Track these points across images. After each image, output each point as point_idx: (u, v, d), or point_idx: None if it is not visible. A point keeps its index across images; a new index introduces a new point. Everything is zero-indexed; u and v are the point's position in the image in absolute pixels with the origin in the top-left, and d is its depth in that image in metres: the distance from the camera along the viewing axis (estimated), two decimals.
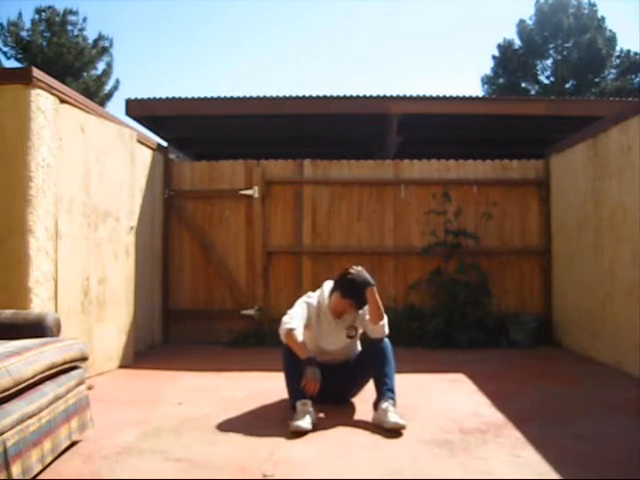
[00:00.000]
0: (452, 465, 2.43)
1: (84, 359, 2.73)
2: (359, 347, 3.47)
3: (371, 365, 3.20)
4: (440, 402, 3.52)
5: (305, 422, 2.85)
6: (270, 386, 3.66)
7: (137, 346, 5.05)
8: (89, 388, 2.88)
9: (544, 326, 5.80)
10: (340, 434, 2.86)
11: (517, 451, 2.59)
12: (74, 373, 2.62)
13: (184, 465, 2.42)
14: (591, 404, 3.45)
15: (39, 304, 3.64)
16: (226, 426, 2.97)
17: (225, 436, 2.81)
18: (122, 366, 4.58)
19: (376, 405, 3.05)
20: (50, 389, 2.34)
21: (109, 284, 4.48)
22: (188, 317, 6.11)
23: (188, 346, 5.71)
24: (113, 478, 2.30)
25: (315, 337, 3.29)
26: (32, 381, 2.19)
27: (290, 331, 3.08)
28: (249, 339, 5.78)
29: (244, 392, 3.72)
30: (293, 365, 3.08)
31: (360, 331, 3.38)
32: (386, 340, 3.21)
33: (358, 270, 3.27)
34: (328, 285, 3.38)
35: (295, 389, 3.05)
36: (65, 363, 2.50)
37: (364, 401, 3.51)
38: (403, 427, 2.85)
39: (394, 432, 2.82)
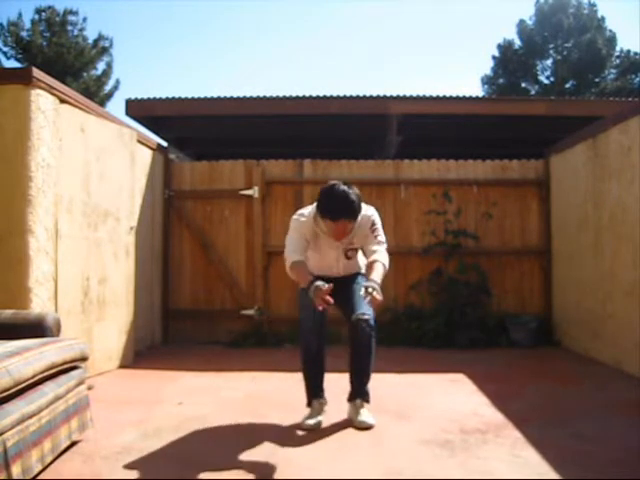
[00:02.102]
0: (452, 465, 2.43)
1: (84, 359, 2.73)
2: (361, 261, 3.21)
3: (353, 355, 3.02)
4: (440, 402, 3.52)
5: (316, 421, 2.96)
6: (270, 386, 3.66)
7: (137, 346, 5.05)
8: (89, 388, 2.88)
9: (544, 326, 5.79)
10: (340, 434, 2.86)
11: (517, 451, 2.59)
12: (74, 373, 2.62)
13: (184, 465, 2.42)
14: (591, 404, 3.45)
15: (39, 304, 3.64)
16: (226, 426, 2.97)
17: (225, 436, 2.82)
18: (122, 366, 4.58)
19: (351, 399, 3.06)
20: (50, 389, 2.34)
21: (109, 284, 4.48)
22: (188, 317, 6.11)
23: (188, 346, 5.71)
24: (113, 478, 2.30)
25: (314, 251, 3.09)
26: (32, 381, 2.19)
27: (293, 265, 2.91)
28: (249, 339, 5.78)
29: (244, 392, 3.72)
30: (310, 362, 3.05)
31: (358, 248, 3.13)
32: (373, 335, 2.96)
33: (335, 184, 2.92)
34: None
35: (310, 386, 3.08)
36: (65, 363, 2.50)
37: None
38: (371, 426, 2.93)
39: (365, 429, 2.92)
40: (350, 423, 2.99)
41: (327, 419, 3.09)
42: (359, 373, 3.04)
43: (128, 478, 2.29)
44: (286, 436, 2.80)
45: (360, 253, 3.21)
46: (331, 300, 2.65)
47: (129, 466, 2.40)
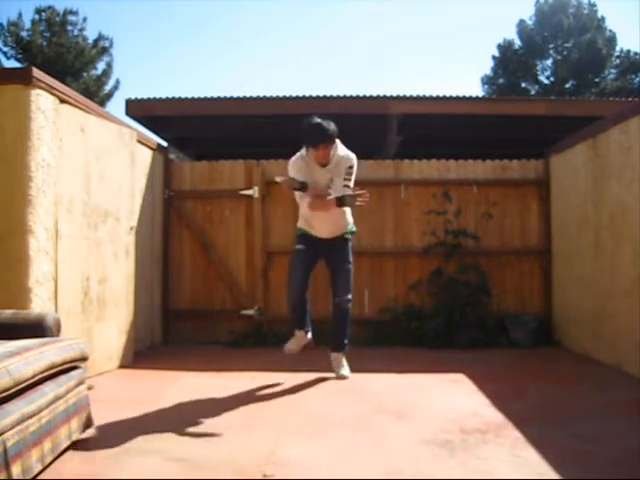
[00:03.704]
0: (452, 465, 2.43)
1: (84, 359, 2.73)
2: (349, 215, 4.04)
3: (335, 319, 4.06)
4: (440, 402, 3.52)
5: (294, 346, 4.11)
6: (270, 386, 3.66)
7: (137, 346, 5.05)
8: (89, 388, 2.88)
9: (544, 326, 5.79)
10: (340, 434, 2.86)
11: (517, 451, 2.59)
12: (74, 373, 2.62)
13: (184, 465, 2.42)
14: (591, 404, 3.45)
15: (39, 304, 3.64)
16: (226, 426, 2.97)
17: (225, 436, 2.81)
18: (122, 366, 4.58)
19: (334, 350, 4.10)
20: (50, 389, 2.34)
21: (109, 284, 4.48)
22: (188, 317, 6.11)
23: (188, 346, 5.71)
24: (113, 478, 2.30)
25: (310, 184, 3.78)
26: (32, 381, 2.19)
27: (288, 180, 3.70)
28: (249, 339, 5.78)
29: (244, 392, 3.72)
30: (294, 308, 4.02)
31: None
32: (349, 307, 4.02)
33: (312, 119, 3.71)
34: None
35: (295, 321, 4.11)
36: (65, 363, 2.50)
37: (364, 402, 3.51)
38: (346, 377, 4.02)
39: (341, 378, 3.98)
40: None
41: (327, 419, 3.09)
42: (339, 332, 4.05)
43: (128, 478, 2.29)
44: (286, 436, 2.80)
45: (348, 212, 4.00)
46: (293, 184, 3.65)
47: (129, 466, 2.40)
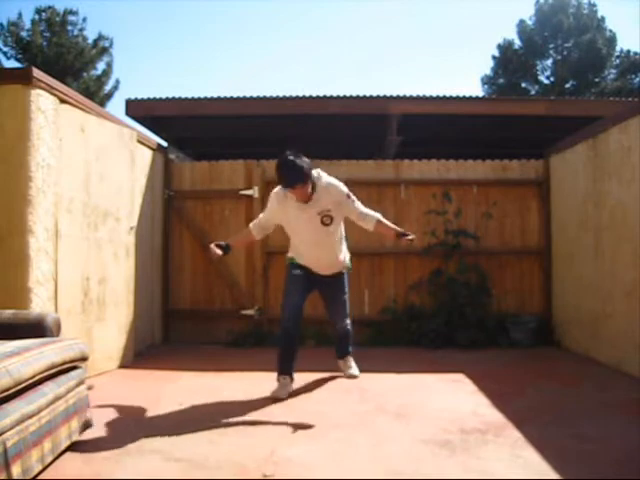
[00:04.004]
0: (452, 465, 2.43)
1: (84, 359, 2.73)
2: (345, 249, 3.86)
3: (339, 340, 4.10)
4: (440, 402, 3.52)
5: (282, 393, 3.55)
6: (270, 386, 3.65)
7: (137, 346, 5.05)
8: (89, 388, 2.88)
9: (544, 326, 5.79)
10: (340, 434, 2.86)
11: (517, 451, 2.59)
12: (74, 373, 2.62)
13: (184, 465, 2.42)
14: (591, 404, 3.45)
15: (39, 304, 3.64)
16: (226, 426, 2.97)
17: (225, 436, 2.81)
18: (122, 366, 4.58)
19: (341, 356, 4.15)
20: (50, 389, 2.34)
21: (109, 284, 4.48)
22: (188, 317, 6.11)
23: (188, 346, 5.71)
24: (113, 478, 2.30)
25: (290, 226, 3.66)
26: (32, 381, 2.19)
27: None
28: (249, 339, 5.78)
29: (244, 392, 3.72)
30: (283, 347, 3.66)
31: (338, 220, 3.64)
32: (350, 329, 4.07)
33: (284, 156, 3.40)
34: None
35: (279, 353, 3.68)
36: (65, 363, 2.50)
37: (364, 402, 3.52)
38: (357, 376, 4.04)
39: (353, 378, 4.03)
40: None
41: (327, 419, 3.09)
42: (344, 344, 4.14)
43: (128, 478, 2.29)
44: (286, 436, 2.80)
45: (345, 247, 3.84)
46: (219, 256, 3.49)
47: (129, 466, 2.40)
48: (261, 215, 3.76)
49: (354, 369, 4.11)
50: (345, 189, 3.59)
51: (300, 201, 3.47)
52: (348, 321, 4.05)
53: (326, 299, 3.96)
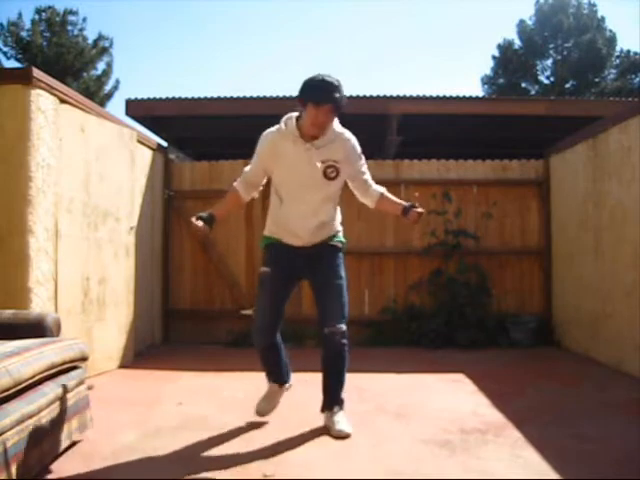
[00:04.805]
0: (452, 465, 2.43)
1: (84, 359, 2.73)
2: (339, 220, 2.99)
3: (327, 364, 2.87)
4: (440, 402, 3.52)
5: (266, 405, 3.01)
6: None
7: (137, 346, 5.05)
8: (89, 388, 2.88)
9: (544, 326, 5.79)
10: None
11: (517, 451, 2.59)
12: (74, 373, 2.62)
13: (184, 465, 2.42)
14: (591, 404, 3.45)
15: (39, 304, 3.64)
16: (226, 426, 2.96)
17: (225, 436, 2.81)
18: (122, 366, 4.58)
19: (326, 408, 2.90)
20: (50, 389, 2.34)
21: (109, 284, 4.48)
22: (188, 317, 6.11)
23: (188, 346, 5.71)
24: (113, 478, 2.30)
25: (281, 175, 2.84)
26: (32, 381, 2.19)
27: (229, 190, 2.96)
28: (249, 339, 5.70)
29: (244, 392, 3.72)
30: (263, 356, 3.02)
31: (341, 180, 2.86)
32: (346, 344, 2.82)
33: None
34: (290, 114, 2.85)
35: (266, 370, 3.08)
36: (65, 363, 2.50)
37: (364, 402, 3.51)
38: (349, 435, 2.76)
39: (342, 438, 2.75)
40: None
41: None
42: (334, 383, 2.87)
43: (128, 478, 2.29)
44: (286, 436, 2.80)
45: (339, 213, 2.99)
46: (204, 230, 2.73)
47: (129, 466, 2.40)
48: (246, 168, 2.99)
49: (344, 423, 2.83)
50: (360, 148, 2.90)
51: (309, 134, 2.71)
52: (345, 327, 2.79)
53: (316, 287, 2.88)
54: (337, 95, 2.62)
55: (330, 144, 2.76)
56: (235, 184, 2.99)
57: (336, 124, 2.81)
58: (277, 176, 2.87)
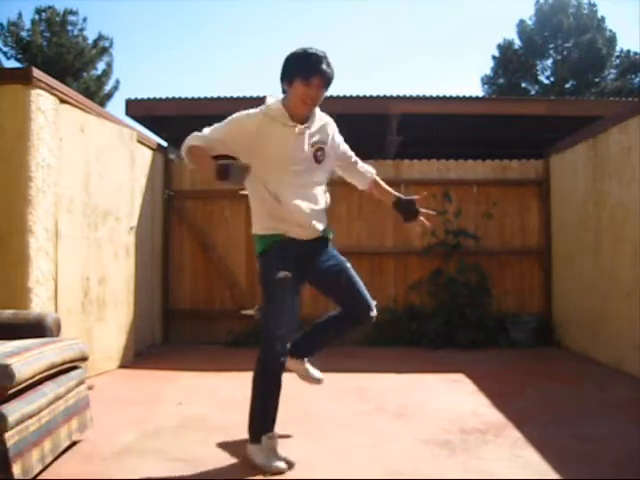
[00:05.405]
0: (452, 465, 2.43)
1: (84, 359, 2.73)
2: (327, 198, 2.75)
3: (340, 330, 2.81)
4: (440, 402, 3.52)
5: (279, 462, 2.39)
6: None
7: (137, 346, 5.05)
8: (89, 388, 2.88)
9: (544, 326, 5.79)
10: (340, 434, 2.86)
11: (517, 451, 2.59)
12: (74, 373, 2.62)
13: (184, 465, 2.42)
14: (591, 404, 3.45)
15: (39, 304, 3.64)
16: (226, 426, 2.96)
17: (225, 436, 2.81)
18: (122, 366, 4.58)
19: (303, 355, 2.83)
20: (50, 389, 2.34)
21: (109, 284, 4.48)
22: (188, 317, 6.11)
23: (188, 346, 5.71)
24: (113, 478, 2.30)
25: (267, 159, 2.54)
26: (32, 381, 2.19)
27: (190, 148, 2.64)
28: (249, 339, 5.77)
29: (244, 392, 3.70)
30: (264, 386, 2.58)
31: (330, 162, 2.71)
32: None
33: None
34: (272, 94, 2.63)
35: (263, 419, 2.55)
36: (65, 363, 2.50)
37: (364, 401, 3.52)
38: (321, 380, 2.88)
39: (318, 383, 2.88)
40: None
41: (327, 419, 3.09)
42: (324, 345, 2.85)
43: (128, 478, 2.29)
44: (286, 436, 2.80)
45: (328, 196, 2.75)
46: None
47: (129, 466, 2.40)
48: (206, 130, 2.76)
49: (316, 371, 2.91)
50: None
51: (297, 114, 2.49)
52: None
53: (326, 276, 2.67)
54: (325, 66, 2.44)
55: (318, 125, 2.61)
56: (194, 142, 2.71)
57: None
58: (261, 166, 2.55)
